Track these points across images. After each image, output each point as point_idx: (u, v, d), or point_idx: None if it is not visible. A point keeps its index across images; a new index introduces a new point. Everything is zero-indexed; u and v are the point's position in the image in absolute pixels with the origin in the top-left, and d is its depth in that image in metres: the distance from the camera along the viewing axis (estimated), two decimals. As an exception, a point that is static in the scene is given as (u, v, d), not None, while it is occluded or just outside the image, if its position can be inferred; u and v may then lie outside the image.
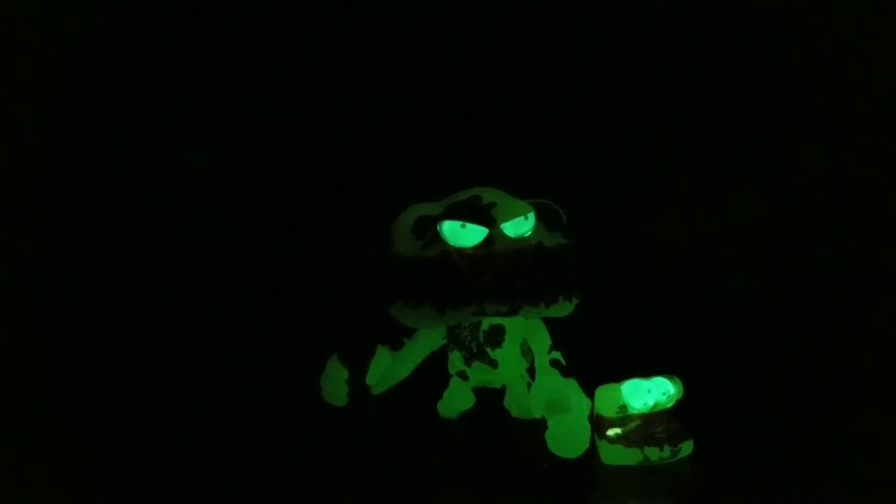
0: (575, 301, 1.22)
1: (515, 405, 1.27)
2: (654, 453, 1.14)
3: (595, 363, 1.24)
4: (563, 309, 1.22)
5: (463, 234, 1.18)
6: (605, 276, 1.42)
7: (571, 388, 1.17)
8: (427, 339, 1.29)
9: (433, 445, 1.24)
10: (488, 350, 1.24)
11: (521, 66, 1.50)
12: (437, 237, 1.19)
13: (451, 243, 1.18)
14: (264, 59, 1.50)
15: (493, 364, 1.25)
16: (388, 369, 1.30)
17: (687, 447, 1.15)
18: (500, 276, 1.17)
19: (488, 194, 1.22)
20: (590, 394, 1.18)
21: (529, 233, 1.20)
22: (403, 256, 1.20)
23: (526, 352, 1.26)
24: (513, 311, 1.18)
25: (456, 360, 1.27)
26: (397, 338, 1.29)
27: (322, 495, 1.10)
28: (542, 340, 1.25)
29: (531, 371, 1.27)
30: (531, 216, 1.20)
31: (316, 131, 1.53)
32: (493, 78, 1.50)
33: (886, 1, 1.44)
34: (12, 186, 1.45)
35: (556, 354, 1.23)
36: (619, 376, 1.17)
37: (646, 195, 1.53)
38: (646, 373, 1.17)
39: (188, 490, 1.11)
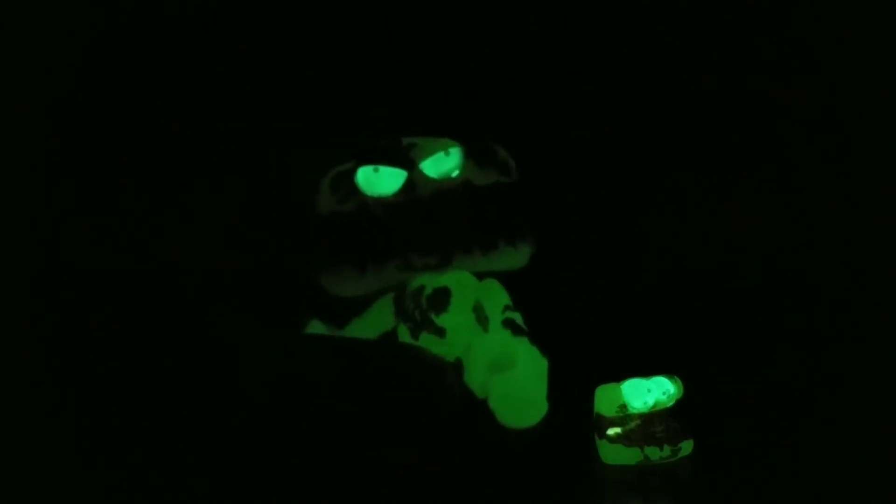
0: (524, 248, 1.08)
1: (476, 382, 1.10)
2: (654, 453, 1.14)
3: (595, 363, 1.24)
4: (510, 258, 1.08)
5: (378, 181, 1.07)
6: (605, 275, 1.42)
7: (521, 346, 1.05)
8: (379, 316, 1.14)
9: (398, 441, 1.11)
10: (433, 317, 1.08)
11: (520, 64, 1.50)
12: (354, 189, 1.08)
13: (368, 193, 1.07)
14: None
15: (440, 333, 1.08)
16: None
17: (687, 447, 1.15)
18: (424, 222, 1.05)
19: (410, 139, 1.09)
20: (590, 394, 1.18)
21: (457, 172, 1.08)
22: (320, 216, 1.09)
23: (481, 319, 1.11)
24: (444, 263, 1.05)
25: (404, 335, 1.10)
26: (344, 314, 1.16)
27: (286, 484, 1.07)
28: (496, 300, 1.10)
29: None
30: (454, 151, 1.08)
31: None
32: (492, 77, 1.50)
33: (887, 2, 1.44)
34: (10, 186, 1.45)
35: (512, 315, 1.09)
36: (619, 376, 1.17)
37: (646, 195, 1.53)
38: (646, 372, 1.17)
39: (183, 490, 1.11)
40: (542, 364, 1.05)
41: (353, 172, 1.08)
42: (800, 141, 1.49)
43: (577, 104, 1.51)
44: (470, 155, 1.10)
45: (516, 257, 1.09)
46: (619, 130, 1.51)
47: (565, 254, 1.26)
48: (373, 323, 1.15)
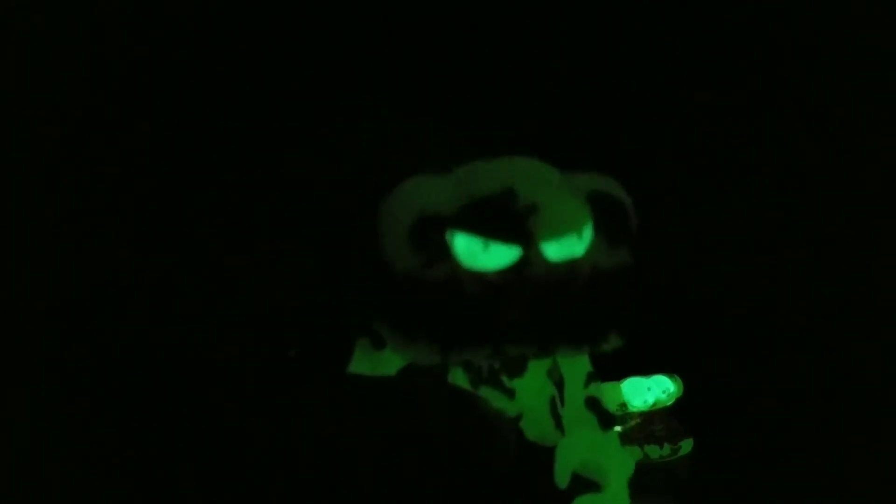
0: (624, 337, 0.91)
1: (534, 428, 0.97)
2: (653, 451, 1.14)
3: (595, 361, 1.24)
4: (611, 345, 0.91)
5: (484, 256, 0.84)
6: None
7: (611, 447, 0.93)
8: None
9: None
10: (504, 379, 0.94)
11: (519, 62, 1.50)
12: (446, 251, 0.84)
13: (465, 264, 0.84)
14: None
15: (510, 394, 0.95)
16: (370, 371, 1.00)
17: (687, 445, 1.15)
18: (532, 313, 0.84)
19: (522, 182, 0.84)
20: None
21: (583, 253, 0.86)
22: (397, 272, 0.86)
23: (552, 373, 0.97)
24: (544, 353, 0.88)
25: (459, 378, 0.95)
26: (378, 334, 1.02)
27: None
28: (578, 367, 0.96)
29: (560, 399, 0.98)
30: (587, 231, 0.86)
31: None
32: (490, 75, 1.50)
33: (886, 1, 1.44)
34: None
35: (594, 390, 0.96)
36: (620, 374, 1.17)
37: (646, 194, 1.52)
38: (646, 371, 1.17)
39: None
40: (629, 470, 0.92)
41: (443, 225, 0.84)
42: (800, 141, 1.49)
43: (572, 104, 1.51)
44: (599, 224, 0.87)
45: (617, 344, 0.91)
46: (617, 130, 1.51)
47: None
48: None
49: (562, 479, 0.91)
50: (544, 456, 0.93)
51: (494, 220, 0.83)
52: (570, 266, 0.85)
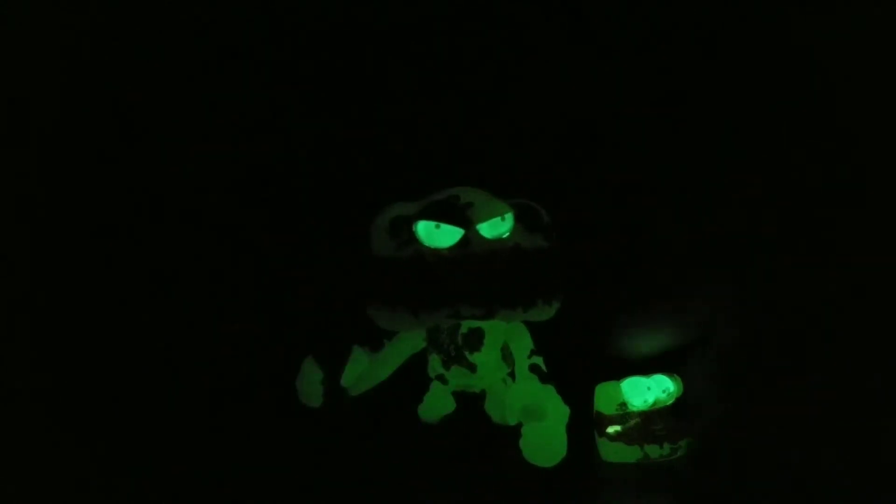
0: (556, 305, 1.20)
1: (496, 411, 1.25)
2: (653, 451, 1.14)
3: (595, 361, 1.24)
4: (543, 313, 1.20)
5: (438, 235, 1.17)
6: (605, 273, 1.42)
7: (548, 395, 1.16)
8: (408, 342, 1.28)
9: (412, 449, 1.22)
10: (467, 354, 1.23)
11: (517, 62, 1.50)
12: (412, 238, 1.18)
13: (426, 244, 1.17)
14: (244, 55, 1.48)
15: (472, 368, 1.23)
16: (367, 371, 1.29)
17: (687, 445, 1.15)
18: (475, 277, 1.16)
19: (466, 194, 1.19)
20: (590, 391, 1.18)
21: (507, 234, 1.18)
22: (379, 257, 1.20)
23: (507, 356, 1.25)
24: (489, 315, 1.17)
25: (435, 364, 1.25)
26: (378, 339, 1.28)
27: (297, 497, 1.10)
28: (522, 345, 1.23)
29: (513, 376, 1.24)
30: (509, 217, 1.18)
31: (298, 129, 1.50)
32: (490, 76, 1.50)
33: (888, 2, 1.44)
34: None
35: (537, 360, 1.22)
36: (620, 374, 1.17)
37: (646, 194, 1.52)
38: (646, 370, 1.17)
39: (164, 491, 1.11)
40: (565, 413, 1.15)
41: (410, 221, 1.18)
42: (801, 140, 1.49)
43: (575, 103, 1.51)
44: (519, 220, 1.20)
45: (548, 312, 1.21)
46: (618, 129, 1.52)
47: (565, 253, 1.27)
48: (404, 346, 1.28)
49: (512, 417, 1.19)
50: (508, 433, 1.18)
51: (443, 210, 1.18)
52: (500, 242, 1.17)
